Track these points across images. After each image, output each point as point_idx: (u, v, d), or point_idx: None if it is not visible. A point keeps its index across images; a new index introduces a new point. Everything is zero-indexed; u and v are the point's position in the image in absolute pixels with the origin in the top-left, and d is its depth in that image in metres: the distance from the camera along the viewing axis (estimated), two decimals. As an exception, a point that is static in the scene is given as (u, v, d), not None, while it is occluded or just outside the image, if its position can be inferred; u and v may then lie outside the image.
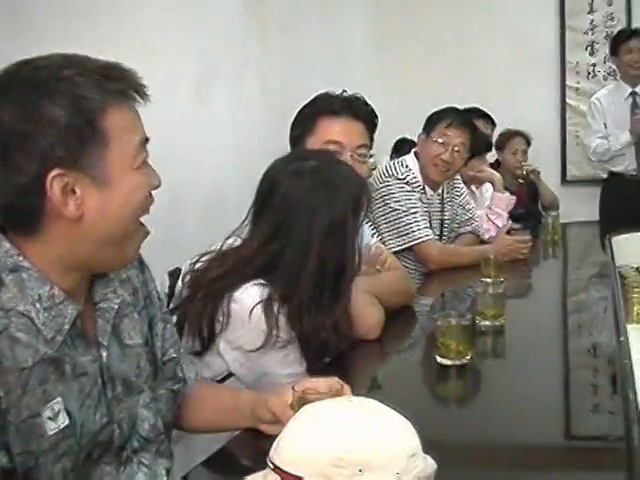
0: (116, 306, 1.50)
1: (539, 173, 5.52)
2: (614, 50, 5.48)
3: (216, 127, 3.45)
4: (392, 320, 2.39)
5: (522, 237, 3.68)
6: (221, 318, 1.95)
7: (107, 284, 1.50)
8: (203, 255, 2.08)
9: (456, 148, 3.50)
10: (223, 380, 2.00)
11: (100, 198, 1.33)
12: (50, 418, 1.32)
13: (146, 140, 1.41)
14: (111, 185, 1.34)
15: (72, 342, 1.39)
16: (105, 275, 1.50)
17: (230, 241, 2.08)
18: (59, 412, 1.33)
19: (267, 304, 1.91)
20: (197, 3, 3.19)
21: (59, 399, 1.34)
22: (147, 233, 1.47)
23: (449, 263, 3.43)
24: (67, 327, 1.37)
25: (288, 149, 2.53)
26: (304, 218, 1.94)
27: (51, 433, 1.32)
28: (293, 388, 1.56)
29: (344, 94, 2.54)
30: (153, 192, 1.44)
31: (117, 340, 1.50)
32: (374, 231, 3.33)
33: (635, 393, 1.84)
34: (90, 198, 1.32)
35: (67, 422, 1.35)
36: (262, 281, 1.94)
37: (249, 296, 1.92)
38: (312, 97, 2.59)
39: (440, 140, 3.54)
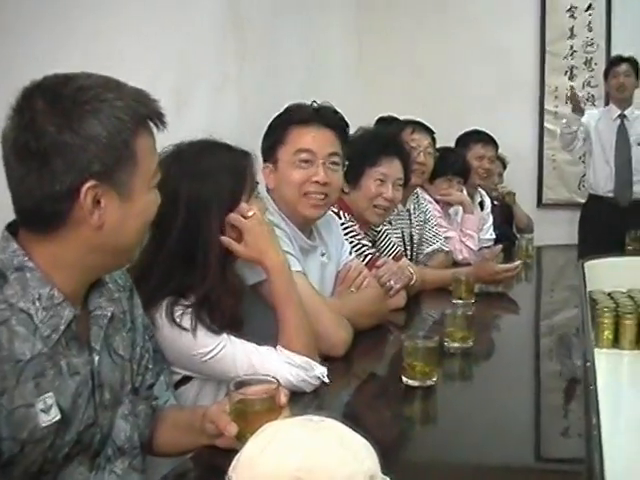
0: (109, 314, 1.59)
1: (514, 195, 5.56)
2: (606, 75, 5.69)
3: (194, 137, 3.44)
4: (362, 339, 2.39)
5: (509, 265, 3.62)
6: None
7: (102, 294, 1.60)
8: None
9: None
10: (180, 384, 2.00)
11: (121, 211, 1.46)
12: (43, 410, 1.40)
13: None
14: (132, 200, 1.48)
15: (67, 343, 1.47)
16: (100, 285, 1.60)
17: None
18: (51, 406, 1.41)
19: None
20: (176, 13, 3.18)
21: (51, 394, 1.41)
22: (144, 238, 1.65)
23: (423, 284, 3.40)
24: (63, 327, 1.45)
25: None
26: (176, 205, 1.97)
27: (43, 425, 1.40)
28: (230, 394, 1.58)
29: (314, 104, 2.56)
30: None
31: (108, 349, 1.59)
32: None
33: (599, 418, 1.85)
34: (112, 210, 1.45)
35: (59, 417, 1.42)
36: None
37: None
38: (283, 108, 2.60)
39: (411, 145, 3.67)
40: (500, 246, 3.96)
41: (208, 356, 1.93)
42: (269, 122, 2.58)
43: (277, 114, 2.59)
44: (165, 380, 1.86)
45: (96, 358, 1.53)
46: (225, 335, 1.95)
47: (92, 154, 1.38)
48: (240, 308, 2.00)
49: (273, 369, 1.89)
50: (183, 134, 2.94)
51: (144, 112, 1.47)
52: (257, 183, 2.14)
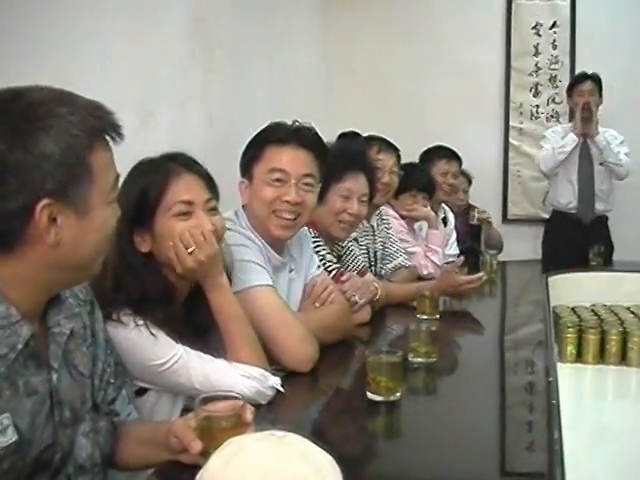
0: (68, 331, 1.56)
1: (489, 219, 5.59)
2: (569, 92, 5.70)
3: (159, 152, 3.43)
4: (326, 354, 2.39)
5: (472, 277, 3.63)
6: None
7: (60, 311, 1.57)
8: None
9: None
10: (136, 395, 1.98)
11: (78, 228, 1.43)
12: None
13: (117, 177, 1.53)
14: (89, 216, 1.44)
15: (24, 362, 1.43)
16: (59, 302, 1.57)
17: None
18: (8, 427, 1.37)
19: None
20: (143, 27, 3.17)
21: (7, 414, 1.37)
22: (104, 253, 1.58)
23: (387, 299, 3.41)
24: (20, 346, 1.42)
25: (234, 176, 2.55)
26: None
27: (0, 447, 1.36)
28: (196, 410, 1.57)
29: (295, 124, 2.57)
30: None
31: (67, 366, 1.56)
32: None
33: (560, 433, 1.87)
34: (69, 227, 1.41)
35: (16, 438, 1.39)
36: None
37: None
38: (264, 126, 2.61)
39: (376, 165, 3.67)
40: (462, 258, 3.97)
41: (163, 367, 1.92)
42: (249, 138, 2.59)
43: (258, 131, 2.60)
44: (127, 394, 1.83)
45: (55, 376, 1.51)
46: (181, 347, 1.94)
47: (45, 172, 1.35)
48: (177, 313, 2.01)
49: (229, 382, 1.91)
50: (148, 148, 2.93)
51: (99, 126, 1.44)
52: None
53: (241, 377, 1.96)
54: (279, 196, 2.47)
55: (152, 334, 1.91)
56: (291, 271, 2.63)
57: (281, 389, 2.00)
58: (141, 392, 1.99)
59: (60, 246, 1.41)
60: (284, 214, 2.49)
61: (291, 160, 2.50)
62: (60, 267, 1.45)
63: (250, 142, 2.59)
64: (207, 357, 1.97)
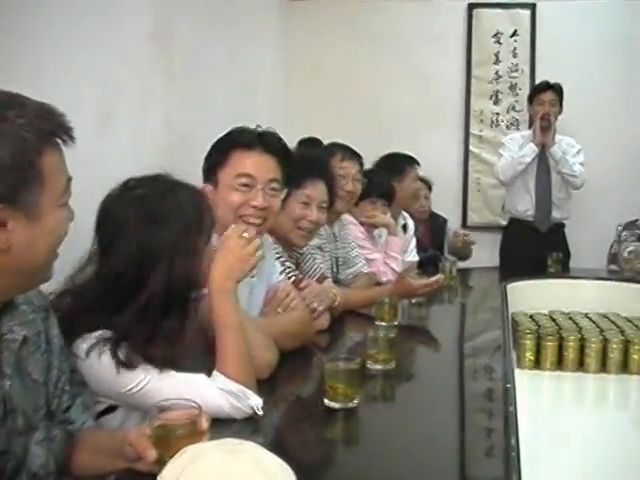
0: (21, 338, 1.55)
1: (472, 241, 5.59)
2: (530, 99, 5.70)
3: (118, 158, 3.40)
4: (285, 361, 2.38)
5: (428, 280, 3.59)
6: None
7: (13, 317, 1.55)
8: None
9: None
10: (105, 412, 1.95)
11: (29, 232, 1.41)
12: None
13: (69, 179, 1.50)
14: (40, 220, 1.43)
15: None
16: (12, 308, 1.55)
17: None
18: None
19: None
20: (101, 29, 3.14)
21: None
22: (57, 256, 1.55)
23: (346, 305, 3.40)
24: None
25: (193, 180, 2.53)
26: (133, 251, 1.93)
27: None
28: (151, 418, 1.56)
29: (258, 129, 2.57)
30: None
31: (20, 373, 1.54)
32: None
33: (517, 439, 1.87)
34: (19, 231, 1.40)
35: None
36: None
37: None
38: (226, 131, 2.61)
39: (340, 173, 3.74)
40: (415, 260, 3.97)
41: (132, 391, 1.87)
42: (212, 143, 2.58)
43: (221, 136, 2.60)
44: (82, 402, 1.81)
45: (7, 383, 1.49)
46: (149, 369, 1.89)
47: None
48: (173, 352, 1.95)
49: (206, 396, 1.86)
50: (106, 149, 2.90)
51: (49, 128, 1.43)
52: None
53: (219, 391, 1.92)
54: (247, 201, 2.49)
55: (117, 362, 1.86)
56: (252, 277, 2.61)
57: (260, 412, 1.96)
58: (110, 410, 1.95)
59: (11, 251, 1.39)
60: (251, 219, 2.50)
61: (257, 165, 2.52)
62: (11, 272, 1.43)
63: (214, 147, 2.58)
64: (181, 375, 1.92)
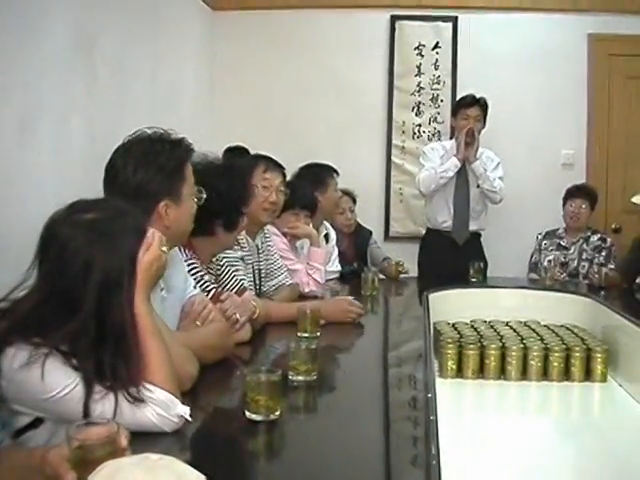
0: None
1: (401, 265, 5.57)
2: (455, 112, 5.71)
3: (39, 168, 3.34)
4: (206, 373, 2.34)
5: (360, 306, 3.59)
6: None
7: None
8: None
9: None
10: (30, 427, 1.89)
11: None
12: None
13: None
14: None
15: None
16: None
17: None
18: None
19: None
20: (22, 40, 3.09)
21: None
22: None
23: (267, 318, 3.36)
24: None
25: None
26: (78, 274, 1.88)
27: None
28: (68, 439, 1.50)
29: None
30: None
31: None
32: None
33: (438, 448, 1.87)
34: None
35: None
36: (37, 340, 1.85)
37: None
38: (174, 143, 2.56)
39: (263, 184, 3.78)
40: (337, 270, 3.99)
41: (57, 397, 1.80)
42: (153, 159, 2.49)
43: (168, 149, 2.49)
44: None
45: None
46: (76, 375, 1.83)
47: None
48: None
49: (131, 412, 1.82)
50: (28, 161, 2.84)
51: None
52: None
53: (147, 402, 1.87)
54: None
55: (43, 368, 1.80)
56: (162, 290, 2.57)
57: (189, 419, 1.93)
58: (36, 423, 1.89)
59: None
60: None
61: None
62: None
63: (166, 162, 2.48)
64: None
